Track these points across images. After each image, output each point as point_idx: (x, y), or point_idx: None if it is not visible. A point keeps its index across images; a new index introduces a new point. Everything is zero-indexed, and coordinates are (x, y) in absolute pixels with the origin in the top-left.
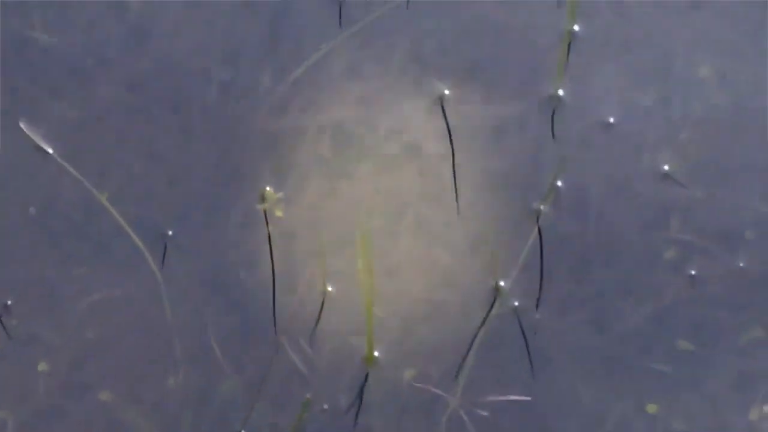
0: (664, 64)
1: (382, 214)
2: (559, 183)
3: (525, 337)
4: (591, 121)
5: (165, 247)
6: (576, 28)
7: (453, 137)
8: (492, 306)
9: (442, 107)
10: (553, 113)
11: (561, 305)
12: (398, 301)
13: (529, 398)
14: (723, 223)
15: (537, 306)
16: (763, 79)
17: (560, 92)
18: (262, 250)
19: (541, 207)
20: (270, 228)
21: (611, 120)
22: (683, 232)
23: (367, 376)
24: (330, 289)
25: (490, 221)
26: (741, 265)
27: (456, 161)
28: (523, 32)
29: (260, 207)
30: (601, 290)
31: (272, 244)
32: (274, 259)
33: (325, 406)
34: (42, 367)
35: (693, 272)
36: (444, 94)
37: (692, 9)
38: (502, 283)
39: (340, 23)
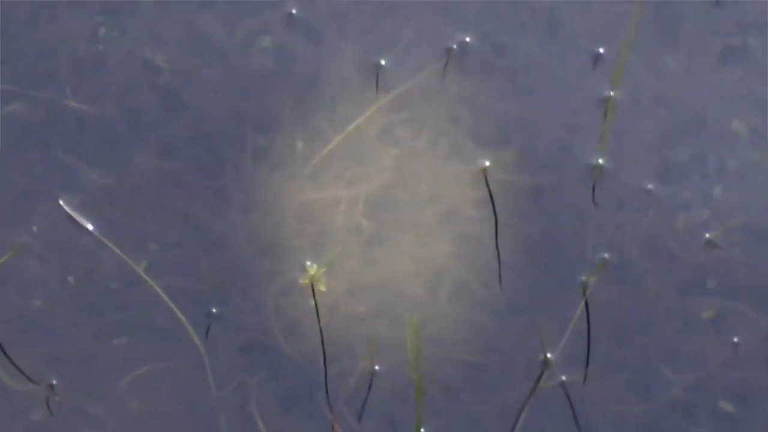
0: (699, 122)
1: (421, 282)
2: (606, 255)
3: (573, 408)
4: (630, 187)
5: (209, 320)
6: (611, 93)
7: (494, 203)
8: (539, 379)
9: (485, 174)
10: (595, 181)
11: (604, 373)
12: (443, 369)
13: None
14: (762, 280)
15: (584, 380)
16: None
17: (601, 161)
18: (303, 321)
19: (588, 280)
20: (312, 301)
21: (649, 186)
22: (723, 294)
23: None
24: (377, 368)
25: (532, 289)
26: None
27: (496, 228)
28: (561, 96)
29: (303, 281)
30: (642, 356)
31: (313, 318)
32: (315, 331)
33: None
34: None
35: (733, 333)
36: (485, 163)
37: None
38: (549, 356)
39: (376, 89)
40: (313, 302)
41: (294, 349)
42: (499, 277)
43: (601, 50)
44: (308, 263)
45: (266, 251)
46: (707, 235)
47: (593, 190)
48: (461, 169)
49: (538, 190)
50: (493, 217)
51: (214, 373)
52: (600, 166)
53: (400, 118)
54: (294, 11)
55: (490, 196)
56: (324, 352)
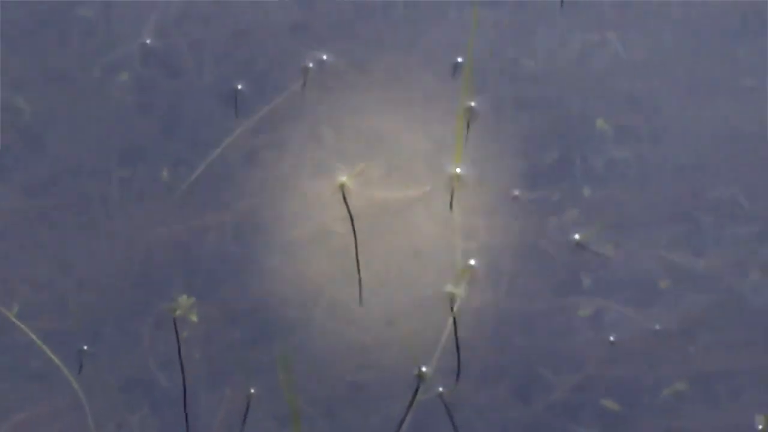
0: (562, 123)
1: (296, 304)
2: (472, 262)
3: (452, 420)
4: (496, 194)
5: (81, 358)
6: (473, 104)
7: (361, 220)
8: (416, 392)
9: (343, 193)
10: (453, 191)
11: (483, 381)
12: (322, 388)
13: None
14: (636, 277)
15: (457, 379)
16: (659, 128)
17: (459, 170)
18: (179, 352)
19: (455, 290)
20: (186, 333)
21: (516, 192)
22: (598, 293)
23: None
24: (252, 391)
25: (406, 302)
26: (657, 318)
27: (364, 243)
28: (422, 107)
29: (174, 314)
30: (522, 360)
31: (188, 349)
32: (195, 361)
33: None
34: None
35: (610, 331)
36: (344, 181)
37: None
38: (424, 369)
39: (236, 115)
40: (186, 333)
41: (172, 382)
42: (360, 293)
43: (460, 60)
44: (180, 295)
45: (137, 284)
46: (577, 236)
47: (451, 198)
48: (327, 187)
49: (405, 203)
50: (364, 232)
51: (93, 413)
52: (458, 175)
53: (263, 140)
54: (148, 42)
55: (348, 210)
56: (185, 388)
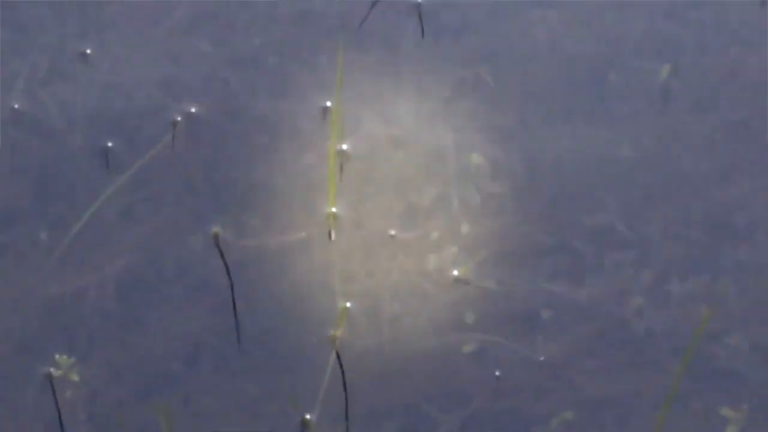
0: (438, 161)
1: (180, 358)
2: (348, 304)
3: None
4: (372, 234)
5: None
6: (345, 146)
7: (239, 269)
8: None
9: (218, 244)
10: (330, 232)
11: (369, 423)
12: None
13: None
14: (518, 309)
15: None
16: (533, 160)
17: (334, 211)
18: (64, 414)
19: (336, 333)
20: (69, 392)
21: (392, 232)
22: (481, 329)
23: None
24: None
25: (290, 350)
26: (541, 349)
27: (244, 293)
28: (295, 154)
29: (54, 375)
30: (407, 400)
31: (71, 409)
32: (80, 421)
33: None
34: None
35: (495, 365)
36: (218, 232)
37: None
38: (308, 416)
39: (107, 171)
40: (69, 393)
41: None
42: (241, 343)
43: (329, 104)
44: (58, 355)
45: (19, 348)
46: (456, 272)
47: (330, 237)
48: (204, 239)
49: (283, 249)
50: (243, 281)
51: None
52: (334, 215)
53: (137, 196)
54: (17, 106)
55: (224, 261)
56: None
